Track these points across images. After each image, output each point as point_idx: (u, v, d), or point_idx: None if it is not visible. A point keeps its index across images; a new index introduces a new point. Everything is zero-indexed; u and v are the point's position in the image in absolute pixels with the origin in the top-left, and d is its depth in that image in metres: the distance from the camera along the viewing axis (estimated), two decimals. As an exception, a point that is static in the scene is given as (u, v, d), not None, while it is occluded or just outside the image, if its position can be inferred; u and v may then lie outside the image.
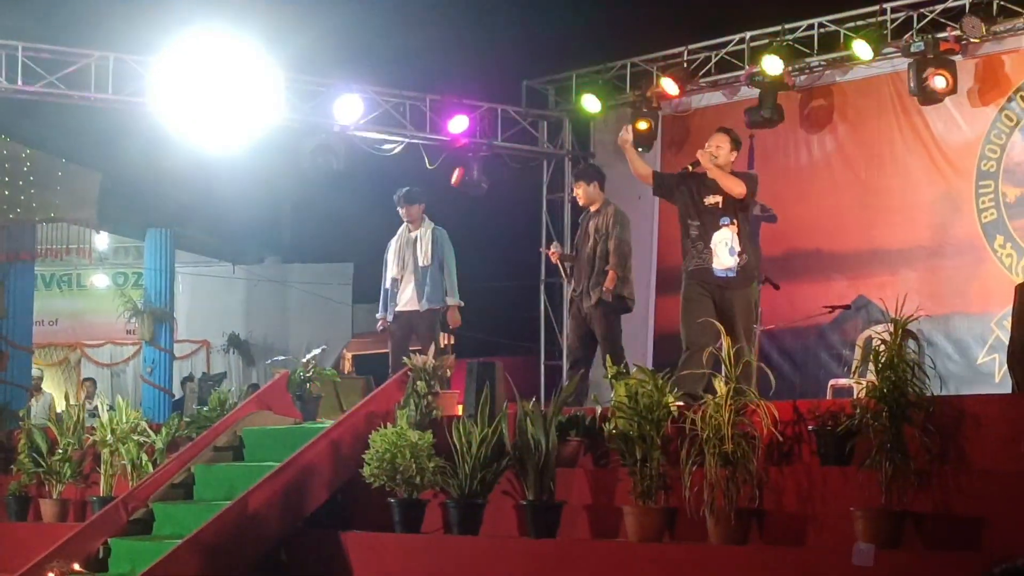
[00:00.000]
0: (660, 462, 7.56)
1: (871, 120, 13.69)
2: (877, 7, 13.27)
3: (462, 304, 11.83)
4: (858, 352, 10.87)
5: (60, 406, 11.80)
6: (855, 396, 7.35)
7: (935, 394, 6.94)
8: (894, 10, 13.21)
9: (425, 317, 11.65)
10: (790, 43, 13.83)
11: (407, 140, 15.11)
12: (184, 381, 20.03)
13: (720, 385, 7.34)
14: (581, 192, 10.95)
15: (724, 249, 9.22)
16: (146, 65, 13.72)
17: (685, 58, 14.76)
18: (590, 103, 15.17)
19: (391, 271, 11.81)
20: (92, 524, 9.26)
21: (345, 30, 15.53)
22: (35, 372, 18.57)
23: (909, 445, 6.78)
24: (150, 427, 10.78)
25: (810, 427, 7.54)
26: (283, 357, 14.34)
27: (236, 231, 20.59)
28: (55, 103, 13.99)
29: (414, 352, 9.86)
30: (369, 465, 8.44)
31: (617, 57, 15.38)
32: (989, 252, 12.76)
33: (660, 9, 16.47)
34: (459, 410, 9.23)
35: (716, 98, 14.82)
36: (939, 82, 12.55)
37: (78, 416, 11.15)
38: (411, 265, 11.71)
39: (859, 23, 13.48)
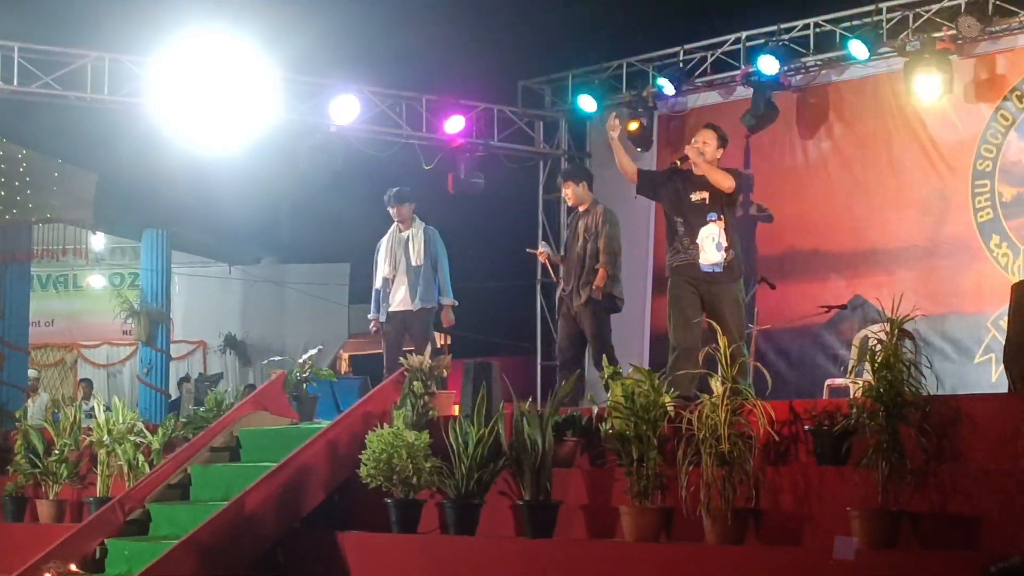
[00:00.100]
0: (657, 462, 7.56)
1: (867, 120, 13.70)
2: (873, 7, 13.27)
3: (456, 303, 11.84)
4: (854, 352, 10.88)
5: (56, 407, 11.78)
6: (851, 396, 7.37)
7: (931, 394, 6.94)
8: (890, 10, 13.21)
9: (419, 317, 11.65)
10: (786, 43, 13.84)
11: (403, 140, 15.12)
12: (181, 382, 20.02)
13: (716, 385, 7.34)
14: (570, 192, 10.97)
15: (711, 245, 9.25)
16: (142, 65, 13.71)
17: (681, 58, 14.76)
18: (586, 103, 15.17)
19: (382, 271, 11.80)
20: (89, 525, 9.26)
21: (342, 30, 15.52)
22: (31, 373, 18.57)
23: (905, 445, 6.78)
24: (147, 428, 10.78)
25: (806, 427, 7.55)
26: (280, 358, 14.35)
27: (232, 231, 20.57)
28: (51, 104, 13.97)
29: (409, 352, 9.86)
30: (366, 465, 8.44)
31: (613, 57, 15.38)
32: (985, 251, 12.76)
33: (656, 9, 16.46)
34: (456, 410, 9.23)
35: (712, 98, 14.83)
36: (931, 86, 12.62)
37: (75, 417, 11.15)
38: (403, 265, 11.71)
39: (855, 23, 13.48)
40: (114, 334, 21.19)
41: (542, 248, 11.17)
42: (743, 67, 14.10)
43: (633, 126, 14.57)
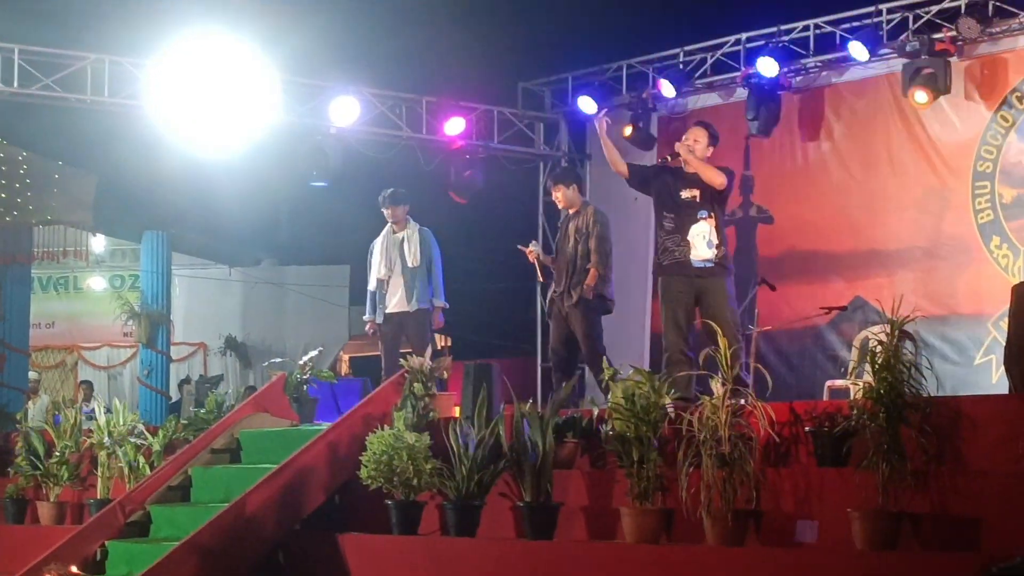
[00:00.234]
0: (657, 463, 7.56)
1: (867, 121, 13.70)
2: (873, 8, 13.29)
3: (447, 306, 11.86)
4: (855, 353, 10.88)
5: (57, 409, 11.78)
6: (852, 397, 7.36)
7: (932, 395, 6.94)
8: (890, 11, 13.22)
9: (415, 317, 11.65)
10: (786, 44, 13.84)
11: (403, 142, 15.13)
12: (181, 383, 20.02)
13: (717, 386, 7.34)
14: (560, 195, 10.97)
15: (702, 242, 9.27)
16: (142, 67, 13.72)
17: (681, 59, 14.76)
18: (586, 105, 15.16)
19: (377, 272, 11.80)
20: (89, 527, 9.25)
21: (341, 31, 15.53)
22: (32, 375, 18.56)
23: (906, 446, 6.79)
24: (147, 430, 10.78)
25: (807, 428, 7.55)
26: (280, 359, 14.35)
27: (233, 233, 20.57)
28: (51, 106, 13.98)
29: (406, 354, 9.85)
30: (366, 467, 8.44)
31: (613, 59, 15.38)
32: (985, 253, 12.76)
33: (656, 11, 16.48)
34: (456, 412, 9.24)
35: (712, 99, 14.83)
36: (920, 97, 12.65)
37: (75, 419, 11.15)
38: (399, 266, 11.71)
39: (855, 24, 13.49)
40: (114, 336, 21.20)
41: (532, 246, 11.12)
42: (743, 69, 14.10)
43: (627, 131, 14.58)
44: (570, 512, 8.12)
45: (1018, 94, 12.65)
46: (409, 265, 11.67)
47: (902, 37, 12.99)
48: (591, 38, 16.95)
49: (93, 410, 11.26)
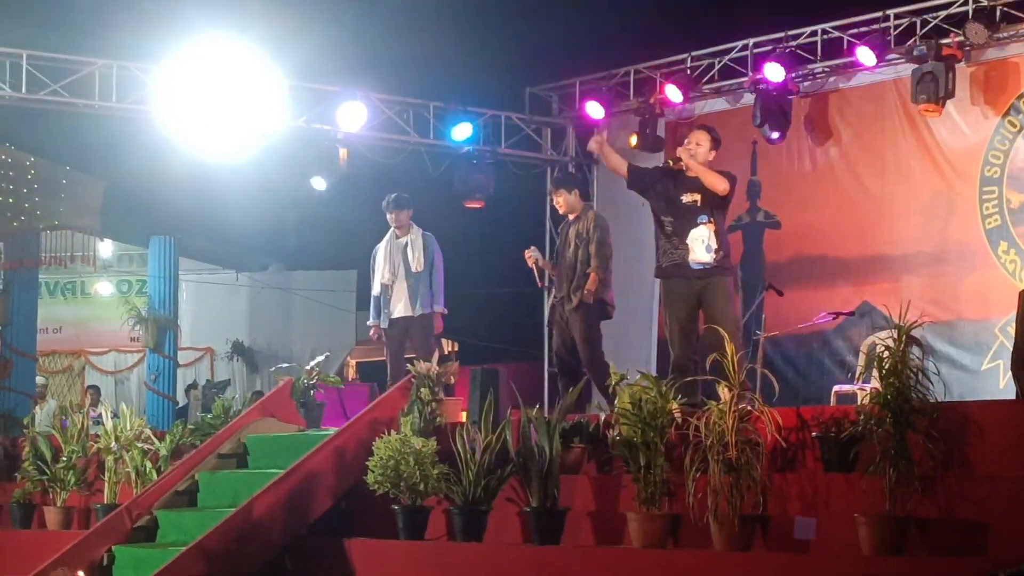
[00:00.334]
0: (664, 469, 7.56)
1: (874, 126, 13.70)
2: (880, 13, 13.28)
3: (446, 311, 11.87)
4: (862, 358, 10.88)
5: (64, 414, 11.78)
6: (859, 402, 7.37)
7: (939, 400, 6.94)
8: (897, 16, 13.22)
9: (420, 322, 11.67)
10: (793, 49, 13.84)
11: (411, 147, 15.14)
12: (188, 388, 20.03)
13: (724, 392, 7.34)
14: (561, 200, 10.96)
15: (701, 247, 9.26)
16: (150, 73, 13.75)
17: (688, 65, 14.76)
18: (594, 110, 15.17)
19: (381, 277, 11.81)
20: (96, 531, 9.26)
21: (349, 37, 15.56)
22: (39, 380, 18.59)
23: (913, 451, 6.78)
24: (154, 434, 10.77)
25: (814, 434, 7.55)
26: (287, 364, 14.34)
27: (240, 238, 20.60)
28: (59, 111, 14.02)
29: (410, 359, 9.85)
30: (373, 472, 8.44)
31: (621, 64, 15.38)
32: (993, 258, 12.75)
33: (663, 16, 16.48)
34: (463, 417, 9.24)
35: (720, 104, 14.82)
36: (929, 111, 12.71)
37: (82, 424, 11.15)
38: (403, 271, 11.73)
39: (862, 29, 13.49)
40: (122, 341, 21.23)
41: (531, 252, 11.10)
42: (751, 74, 14.10)
43: (633, 140, 14.62)
44: (577, 517, 8.12)
45: (1026, 99, 12.65)
46: (413, 270, 11.68)
47: (909, 42, 12.98)
48: (598, 43, 16.97)
49: (100, 415, 11.26)
